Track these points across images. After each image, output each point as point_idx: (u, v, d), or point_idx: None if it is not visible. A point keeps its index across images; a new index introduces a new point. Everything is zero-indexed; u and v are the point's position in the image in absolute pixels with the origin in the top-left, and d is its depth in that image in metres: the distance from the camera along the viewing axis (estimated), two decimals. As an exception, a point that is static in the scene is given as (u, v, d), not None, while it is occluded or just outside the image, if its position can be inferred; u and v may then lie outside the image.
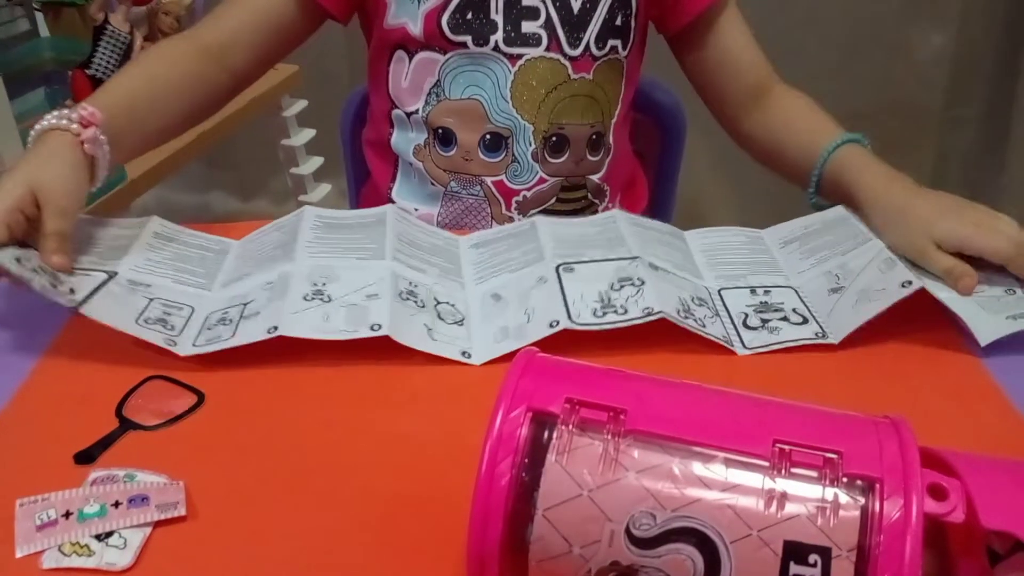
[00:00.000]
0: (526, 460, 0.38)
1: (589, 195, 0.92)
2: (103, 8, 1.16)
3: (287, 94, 1.45)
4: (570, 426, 0.38)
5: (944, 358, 0.65)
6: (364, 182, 1.03)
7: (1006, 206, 0.69)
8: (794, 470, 0.36)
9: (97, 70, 1.14)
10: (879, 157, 0.78)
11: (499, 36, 0.83)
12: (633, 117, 0.99)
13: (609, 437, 0.38)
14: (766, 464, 0.37)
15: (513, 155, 0.87)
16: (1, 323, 0.68)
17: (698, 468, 0.37)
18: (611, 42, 0.86)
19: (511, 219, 0.89)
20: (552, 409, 0.39)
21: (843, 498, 0.35)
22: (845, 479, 0.36)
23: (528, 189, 0.88)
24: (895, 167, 0.76)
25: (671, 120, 1.12)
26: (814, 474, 0.36)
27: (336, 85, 1.45)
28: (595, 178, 0.91)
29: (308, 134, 1.51)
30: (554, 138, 0.87)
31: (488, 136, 0.86)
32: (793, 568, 0.35)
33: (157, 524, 0.49)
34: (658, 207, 1.14)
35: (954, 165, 1.83)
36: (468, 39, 0.83)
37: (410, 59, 0.86)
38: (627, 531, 0.36)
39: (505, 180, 0.88)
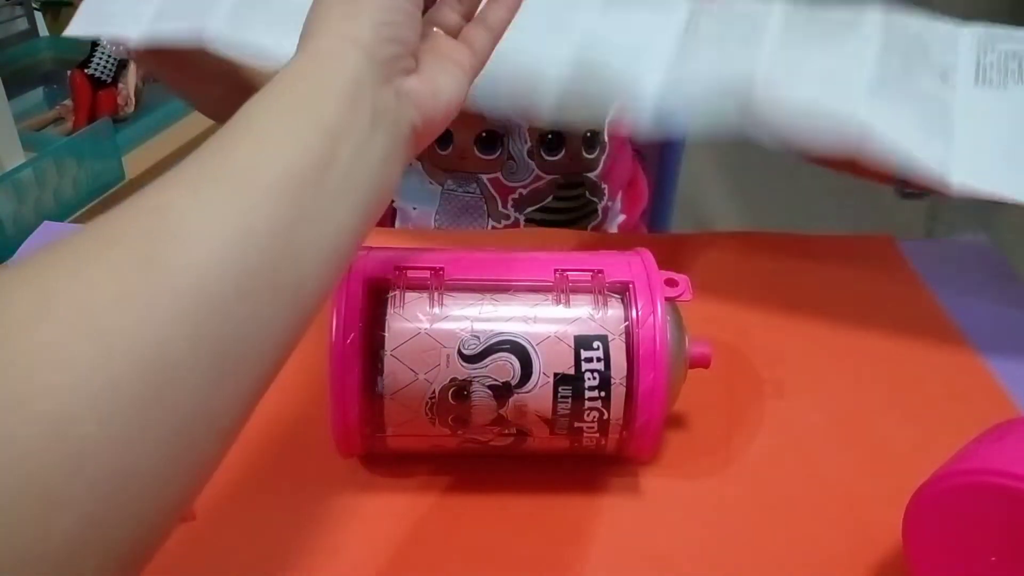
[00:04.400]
0: (370, 320, 0.46)
1: (587, 193, 0.92)
2: (102, 7, 1.15)
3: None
4: (401, 286, 0.48)
5: (942, 354, 0.65)
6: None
7: (1006, 205, 0.69)
8: (572, 285, 0.49)
9: (96, 70, 1.14)
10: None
11: None
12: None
13: (434, 288, 0.48)
14: (553, 285, 0.49)
15: (508, 153, 0.87)
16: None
17: (505, 297, 0.48)
18: None
19: (507, 216, 0.89)
20: (385, 276, 0.48)
21: (609, 298, 0.48)
22: (608, 285, 0.49)
23: (524, 187, 0.88)
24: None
25: (671, 119, 1.12)
26: (587, 285, 0.49)
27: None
28: (592, 175, 0.91)
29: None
30: (550, 136, 0.87)
31: (483, 134, 0.86)
32: (583, 353, 0.47)
33: (152, 526, 0.49)
34: (658, 207, 1.14)
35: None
36: None
37: None
38: (459, 352, 0.46)
39: (501, 178, 0.88)
